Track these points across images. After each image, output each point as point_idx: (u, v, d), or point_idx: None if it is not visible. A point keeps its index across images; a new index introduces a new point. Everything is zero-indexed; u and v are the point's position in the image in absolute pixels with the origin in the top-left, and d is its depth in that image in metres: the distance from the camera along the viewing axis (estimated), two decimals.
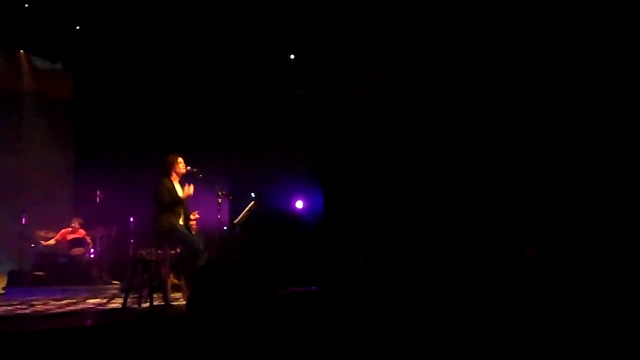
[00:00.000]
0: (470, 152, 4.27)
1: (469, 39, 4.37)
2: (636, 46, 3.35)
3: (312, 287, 5.39)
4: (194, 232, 5.66)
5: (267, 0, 7.32)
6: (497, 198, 4.04)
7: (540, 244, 3.76)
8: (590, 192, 3.52)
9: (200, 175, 5.51)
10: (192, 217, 5.57)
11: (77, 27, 8.37)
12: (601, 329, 3.01)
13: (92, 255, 8.12)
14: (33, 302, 5.45)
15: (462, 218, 4.24)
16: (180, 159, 5.45)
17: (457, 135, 4.38)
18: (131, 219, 7.81)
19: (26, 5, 7.76)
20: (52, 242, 8.14)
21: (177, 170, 5.40)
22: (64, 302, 5.60)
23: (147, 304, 4.83)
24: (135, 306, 4.91)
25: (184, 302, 4.96)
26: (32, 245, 7.88)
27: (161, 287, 5.04)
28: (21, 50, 9.01)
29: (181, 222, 5.31)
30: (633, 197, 3.31)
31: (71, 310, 4.79)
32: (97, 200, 8.35)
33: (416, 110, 4.71)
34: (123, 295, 5.08)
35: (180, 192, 5.33)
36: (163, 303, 4.92)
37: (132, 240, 7.61)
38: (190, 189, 5.33)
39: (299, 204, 8.37)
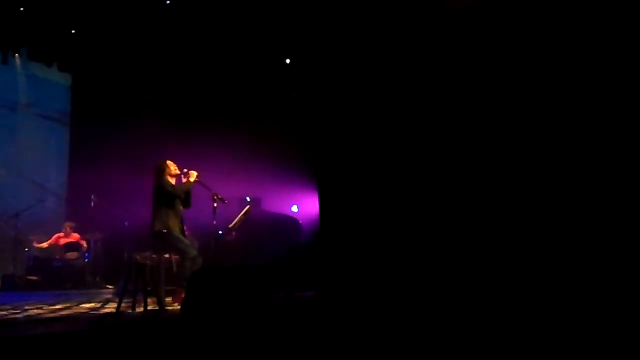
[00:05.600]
0: (470, 155, 4.26)
1: (465, 40, 4.38)
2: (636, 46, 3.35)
3: (309, 292, 5.37)
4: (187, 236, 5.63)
5: (262, 5, 7.34)
6: (496, 204, 4.03)
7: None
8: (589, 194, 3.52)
9: (197, 180, 5.49)
10: None
11: (73, 31, 8.35)
12: (600, 332, 3.01)
13: (86, 260, 8.08)
14: (26, 307, 5.40)
15: (459, 221, 4.23)
16: (169, 162, 5.43)
17: (455, 140, 4.38)
18: (126, 223, 7.78)
19: (22, 9, 7.74)
20: (45, 245, 8.10)
21: (170, 172, 5.38)
22: (57, 306, 5.55)
23: (142, 309, 4.80)
24: (130, 311, 4.88)
25: (179, 307, 4.93)
26: (26, 249, 7.83)
27: (156, 292, 5.01)
28: (16, 54, 8.99)
29: (177, 228, 5.28)
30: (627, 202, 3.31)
31: (65, 315, 4.75)
32: (92, 204, 8.33)
33: (413, 112, 4.71)
34: (117, 299, 5.04)
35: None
36: (157, 308, 4.89)
37: (126, 245, 7.58)
38: (193, 175, 5.35)
39: (295, 209, 8.37)
